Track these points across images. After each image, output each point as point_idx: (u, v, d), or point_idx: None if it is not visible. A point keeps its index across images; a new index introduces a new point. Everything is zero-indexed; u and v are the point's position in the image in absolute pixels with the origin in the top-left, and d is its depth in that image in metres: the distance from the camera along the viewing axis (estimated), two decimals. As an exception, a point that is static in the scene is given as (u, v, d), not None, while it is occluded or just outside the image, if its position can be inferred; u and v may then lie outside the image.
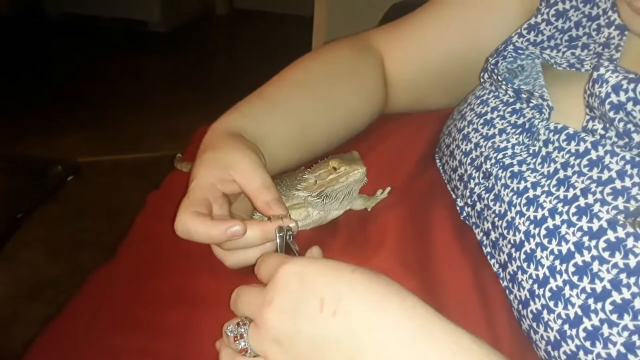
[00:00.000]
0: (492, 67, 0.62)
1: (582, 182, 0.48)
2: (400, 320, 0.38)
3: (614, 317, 0.42)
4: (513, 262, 0.50)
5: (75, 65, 3.33)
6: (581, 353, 0.43)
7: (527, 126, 0.56)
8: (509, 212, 0.51)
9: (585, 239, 0.45)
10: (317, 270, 0.41)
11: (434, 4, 0.76)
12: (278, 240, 0.53)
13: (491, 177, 0.55)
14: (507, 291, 0.51)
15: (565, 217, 0.47)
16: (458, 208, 0.60)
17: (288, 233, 0.53)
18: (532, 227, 0.49)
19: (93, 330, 0.54)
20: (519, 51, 0.62)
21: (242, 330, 0.43)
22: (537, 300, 0.46)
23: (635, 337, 0.41)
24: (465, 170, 0.59)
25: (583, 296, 0.43)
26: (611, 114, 0.47)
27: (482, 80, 0.66)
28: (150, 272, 0.59)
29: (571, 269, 0.45)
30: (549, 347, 0.46)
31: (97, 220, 2.05)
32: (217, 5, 4.39)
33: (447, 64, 0.74)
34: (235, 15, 4.45)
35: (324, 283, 0.40)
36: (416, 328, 0.37)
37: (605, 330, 0.42)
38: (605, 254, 0.43)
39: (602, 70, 0.48)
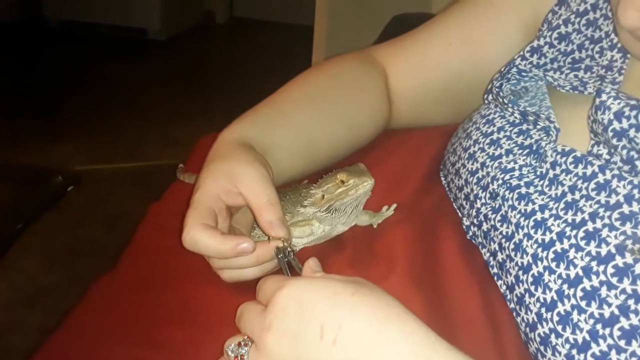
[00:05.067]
0: (496, 89, 0.62)
1: (590, 206, 0.48)
2: (400, 348, 0.38)
3: (622, 342, 0.42)
4: (520, 284, 0.49)
5: (75, 73, 3.32)
6: None
7: (534, 148, 0.56)
8: (516, 234, 0.51)
9: (594, 263, 0.45)
10: (315, 295, 0.41)
11: (438, 21, 0.76)
12: (278, 261, 0.53)
13: (498, 198, 0.55)
14: (514, 313, 0.51)
15: (573, 241, 0.47)
16: (464, 227, 0.60)
17: (287, 251, 0.53)
18: (540, 250, 0.48)
19: (95, 343, 0.54)
20: (523, 73, 0.62)
21: (243, 351, 0.43)
22: (544, 324, 0.46)
23: None
24: (472, 190, 0.59)
25: (591, 321, 0.43)
26: (614, 141, 0.47)
27: (486, 101, 0.66)
28: (152, 285, 0.59)
29: (579, 293, 0.44)
30: (557, 371, 0.46)
31: (95, 228, 2.04)
32: (217, 14, 4.39)
33: (449, 81, 0.75)
34: (235, 25, 4.46)
35: (324, 309, 0.40)
36: (415, 356, 0.37)
37: (614, 356, 0.42)
38: (614, 280, 0.43)
39: (604, 97, 0.48)
